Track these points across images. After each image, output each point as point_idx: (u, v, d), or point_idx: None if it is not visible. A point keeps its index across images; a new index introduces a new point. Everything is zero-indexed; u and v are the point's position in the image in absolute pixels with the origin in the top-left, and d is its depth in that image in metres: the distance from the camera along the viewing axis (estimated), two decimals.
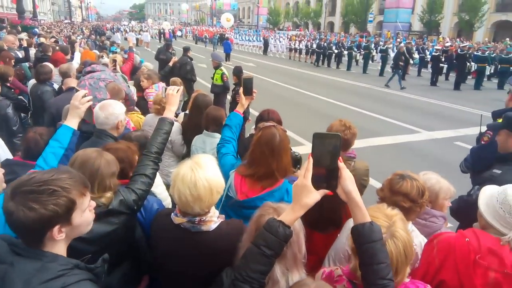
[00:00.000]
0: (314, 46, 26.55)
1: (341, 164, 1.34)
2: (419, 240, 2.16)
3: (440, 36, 39.20)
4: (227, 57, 25.48)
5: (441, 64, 19.13)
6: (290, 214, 1.38)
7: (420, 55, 22.59)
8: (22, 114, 5.58)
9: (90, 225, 1.45)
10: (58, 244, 1.33)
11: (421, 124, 10.54)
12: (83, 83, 3.76)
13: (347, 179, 1.34)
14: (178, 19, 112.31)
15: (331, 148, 1.34)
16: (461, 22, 41.25)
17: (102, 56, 8.72)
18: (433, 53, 19.71)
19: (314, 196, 1.34)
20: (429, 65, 21.01)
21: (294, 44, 30.06)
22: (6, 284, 1.23)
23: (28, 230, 1.26)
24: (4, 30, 16.29)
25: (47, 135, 2.75)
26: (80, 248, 1.67)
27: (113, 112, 2.86)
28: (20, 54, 8.45)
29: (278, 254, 1.36)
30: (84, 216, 1.39)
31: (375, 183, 5.76)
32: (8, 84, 5.30)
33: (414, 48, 22.75)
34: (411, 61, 20.42)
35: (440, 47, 20.74)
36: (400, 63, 16.67)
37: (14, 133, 4.65)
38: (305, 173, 1.34)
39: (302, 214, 1.37)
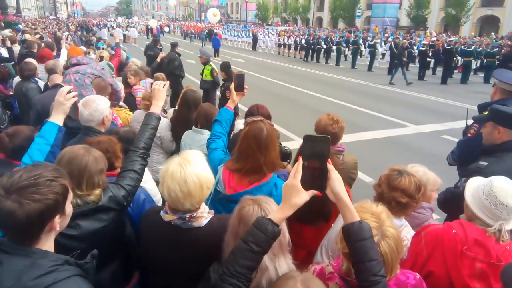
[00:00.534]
0: (303, 41, 26.53)
1: (330, 165, 1.38)
2: (411, 235, 2.18)
3: (427, 31, 39.55)
4: (216, 52, 25.33)
5: (428, 59, 19.29)
6: (279, 213, 1.40)
7: (408, 50, 22.74)
8: (8, 112, 5.47)
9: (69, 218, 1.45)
10: (50, 239, 1.34)
11: (409, 118, 10.64)
12: (68, 78, 3.70)
13: (336, 180, 1.38)
14: (166, 15, 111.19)
15: (321, 150, 1.37)
16: (448, 17, 41.70)
17: (88, 53, 8.61)
18: (421, 48, 19.85)
19: (303, 196, 1.37)
20: (417, 60, 21.16)
21: (283, 40, 30.00)
22: None
23: (30, 225, 1.25)
24: None
25: (20, 135, 2.70)
26: (71, 246, 1.65)
27: (97, 108, 2.82)
28: (5, 50, 8.28)
29: (266, 251, 1.39)
30: (70, 206, 1.41)
31: (364, 176, 5.83)
32: None
33: None
34: None
35: (427, 42, 20.90)
36: (404, 58, 16.70)
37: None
38: (295, 173, 1.38)
39: (291, 214, 1.40)
